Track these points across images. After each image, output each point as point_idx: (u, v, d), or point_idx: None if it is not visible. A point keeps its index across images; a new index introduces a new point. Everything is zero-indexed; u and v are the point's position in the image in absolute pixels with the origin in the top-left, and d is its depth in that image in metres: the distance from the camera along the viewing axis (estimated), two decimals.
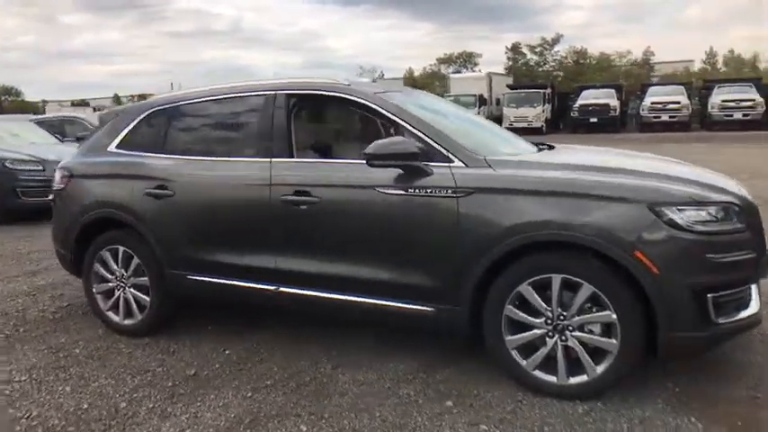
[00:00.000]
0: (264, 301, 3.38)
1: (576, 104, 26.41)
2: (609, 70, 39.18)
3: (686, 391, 2.76)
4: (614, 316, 2.56)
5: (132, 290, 3.74)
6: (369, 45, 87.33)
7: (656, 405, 2.65)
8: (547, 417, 2.60)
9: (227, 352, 3.48)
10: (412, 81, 43.08)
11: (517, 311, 2.74)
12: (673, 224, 2.47)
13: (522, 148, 3.50)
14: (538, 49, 39.30)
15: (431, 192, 2.82)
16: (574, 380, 2.69)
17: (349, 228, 3.05)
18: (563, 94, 31.25)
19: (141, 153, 3.70)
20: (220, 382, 3.09)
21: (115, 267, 3.77)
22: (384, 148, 2.83)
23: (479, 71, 37.66)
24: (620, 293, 2.55)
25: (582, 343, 2.66)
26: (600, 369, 2.63)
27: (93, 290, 3.88)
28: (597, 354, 2.66)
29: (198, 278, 3.49)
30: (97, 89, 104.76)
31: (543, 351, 2.73)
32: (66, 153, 8.18)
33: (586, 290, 2.59)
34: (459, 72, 40.29)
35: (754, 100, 22.02)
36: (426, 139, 2.91)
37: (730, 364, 3.06)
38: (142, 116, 3.81)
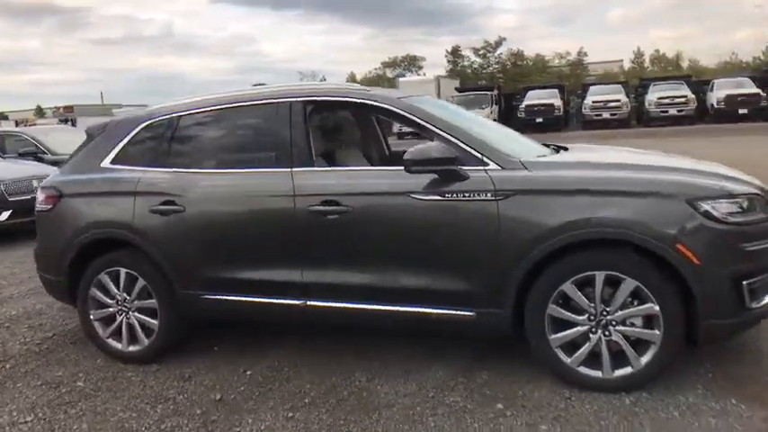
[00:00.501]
0: (289, 316, 3.26)
1: (523, 105, 27.17)
2: (546, 71, 40.55)
3: (719, 376, 2.87)
4: (657, 308, 2.62)
5: (137, 314, 3.51)
6: (304, 49, 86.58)
7: (696, 391, 2.74)
8: (599, 411, 2.63)
9: (248, 372, 3.33)
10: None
11: (560, 310, 2.76)
12: (709, 216, 2.56)
13: (542, 150, 3.53)
14: (481, 52, 40.20)
15: (469, 196, 2.80)
16: (618, 372, 2.74)
17: (383, 236, 2.99)
18: (507, 96, 32.13)
19: (142, 168, 3.49)
20: (254, 405, 2.95)
21: (116, 291, 3.53)
22: (423, 153, 2.79)
23: (424, 74, 38.18)
24: (662, 286, 2.61)
25: (625, 336, 2.71)
26: (644, 360, 2.69)
27: (91, 317, 3.62)
28: (640, 345, 2.72)
29: (214, 297, 3.32)
30: (16, 100, 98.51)
31: (587, 347, 2.76)
32: (13, 170, 8.06)
33: (629, 284, 2.64)
34: (403, 75, 40.68)
35: (686, 96, 23.39)
36: (459, 143, 2.89)
37: (744, 348, 3.20)
38: (138, 128, 3.59)
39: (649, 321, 2.69)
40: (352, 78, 52.29)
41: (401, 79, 35.56)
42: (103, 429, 2.84)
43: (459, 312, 2.90)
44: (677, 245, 2.55)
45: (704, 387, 2.77)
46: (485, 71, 41.17)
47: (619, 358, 2.74)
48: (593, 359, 2.77)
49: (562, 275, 2.73)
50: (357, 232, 3.01)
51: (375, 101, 3.18)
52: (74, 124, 25.91)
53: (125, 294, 3.52)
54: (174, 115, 3.53)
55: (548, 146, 3.69)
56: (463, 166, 2.84)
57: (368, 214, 2.99)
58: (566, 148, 3.63)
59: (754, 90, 22.18)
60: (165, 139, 3.50)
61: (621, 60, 51.58)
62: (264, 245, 3.21)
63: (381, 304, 3.02)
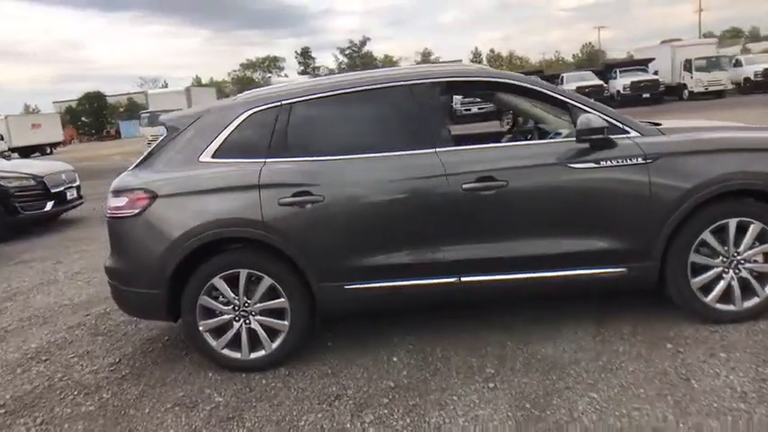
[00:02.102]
0: (441, 294, 3.28)
1: None
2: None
3: None
4: None
5: (260, 317, 3.27)
6: (137, 54, 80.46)
7: None
8: (746, 336, 3.08)
9: (394, 359, 3.29)
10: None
11: (701, 256, 3.18)
12: None
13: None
14: (347, 51, 40.81)
15: (621, 161, 3.10)
16: (747, 304, 3.23)
17: (541, 205, 3.16)
18: None
19: (258, 159, 3.24)
20: (440, 383, 2.95)
21: (232, 296, 3.25)
22: (589, 124, 3.01)
23: (284, 75, 37.81)
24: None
25: (751, 272, 3.21)
26: (767, 290, 3.21)
27: (201, 328, 3.28)
28: (762, 278, 3.22)
29: (360, 286, 3.21)
30: None
31: (722, 285, 3.21)
32: (47, 166, 9.08)
33: (756, 227, 3.13)
34: (269, 77, 39.81)
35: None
36: (602, 115, 3.16)
37: None
38: (240, 119, 3.31)
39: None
40: (197, 82, 49.82)
41: (151, 92, 34.70)
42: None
43: (610, 270, 3.18)
44: None
45: None
46: (345, 70, 41.92)
47: (746, 292, 3.22)
48: (726, 296, 3.22)
49: (702, 225, 3.13)
50: (514, 204, 3.14)
51: (514, 80, 3.33)
52: None
53: (245, 297, 3.25)
54: (285, 102, 3.32)
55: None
56: (611, 135, 3.12)
57: (526, 186, 3.13)
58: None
59: (653, 77, 26.71)
60: (279, 128, 3.28)
61: (461, 60, 56.09)
62: (414, 226, 3.19)
63: (537, 272, 3.19)
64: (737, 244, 3.18)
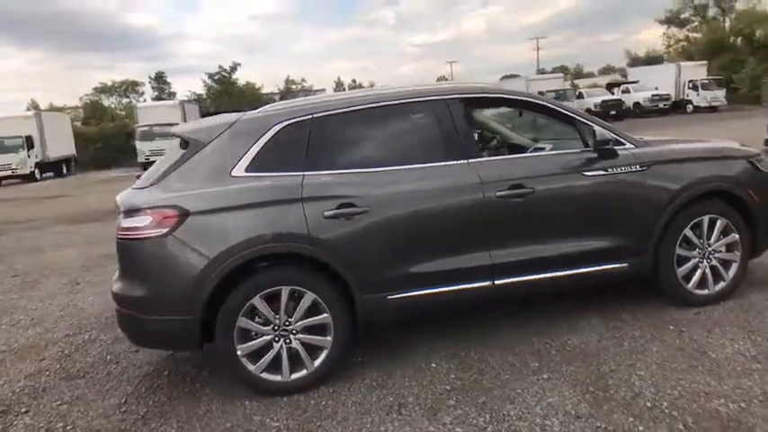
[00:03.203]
0: (478, 298, 3.44)
1: None
2: (257, 98, 40.78)
3: None
4: (737, 236, 3.79)
5: (301, 335, 3.17)
6: None
7: None
8: (725, 314, 3.65)
9: (432, 365, 3.37)
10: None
11: (683, 249, 3.72)
12: (758, 169, 3.86)
13: None
14: (217, 77, 39.49)
15: (624, 169, 3.55)
16: (717, 287, 3.82)
17: (563, 209, 3.48)
18: None
19: (296, 173, 3.17)
20: (493, 380, 3.10)
21: (272, 315, 3.11)
22: (604, 135, 3.42)
23: (143, 100, 35.58)
24: (738, 220, 3.78)
25: (719, 261, 3.81)
26: (731, 273, 3.84)
27: (239, 353, 3.09)
28: (726, 265, 3.84)
29: (402, 295, 3.26)
30: None
31: (699, 273, 3.78)
32: None
33: (722, 222, 3.75)
34: (130, 101, 37.19)
35: None
36: (605, 130, 3.60)
37: None
38: (272, 132, 3.23)
39: (731, 247, 3.83)
40: (34, 106, 45.15)
41: (140, 105, 32.61)
42: None
43: (616, 265, 3.59)
44: (748, 190, 3.77)
45: None
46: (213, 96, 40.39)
47: (716, 275, 3.82)
48: (701, 282, 3.79)
49: (685, 221, 3.68)
50: (540, 210, 3.43)
51: (522, 96, 3.66)
52: None
53: (286, 316, 3.13)
54: (317, 115, 3.30)
55: None
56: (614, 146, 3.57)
57: (549, 192, 3.44)
58: None
59: (617, 97, 32.31)
60: (314, 141, 3.25)
61: (324, 89, 57.32)
62: (454, 234, 3.33)
63: (557, 271, 3.50)
64: (709, 237, 3.78)
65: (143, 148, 26.26)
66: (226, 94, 38.83)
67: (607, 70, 68.23)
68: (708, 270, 3.80)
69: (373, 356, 3.54)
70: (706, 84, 32.32)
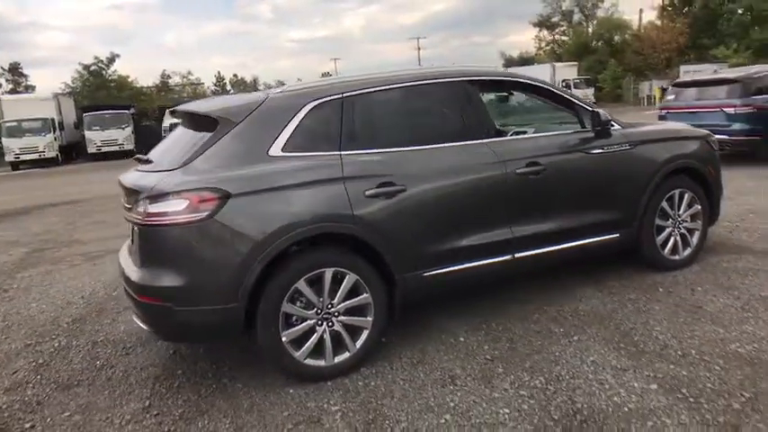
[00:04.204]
0: (500, 271, 3.58)
1: (167, 124, 26.49)
2: (131, 91, 37.80)
3: None
4: (699, 207, 4.32)
5: (343, 317, 3.12)
6: None
7: None
8: (697, 275, 4.15)
9: (461, 339, 3.47)
10: None
11: (660, 220, 4.16)
12: (712, 147, 4.42)
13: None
14: (93, 68, 36.05)
15: (617, 147, 3.89)
16: (685, 253, 4.32)
17: (569, 185, 3.73)
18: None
19: (332, 152, 3.10)
20: (528, 346, 3.27)
21: (316, 299, 3.03)
22: (607, 117, 3.71)
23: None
24: (700, 193, 4.31)
25: (686, 229, 4.32)
26: (695, 240, 4.36)
27: (283, 339, 2.97)
28: (692, 233, 4.36)
29: (435, 272, 3.32)
30: None
31: (672, 241, 4.25)
32: None
33: (689, 195, 4.25)
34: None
35: None
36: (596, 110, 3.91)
37: None
38: (304, 111, 3.12)
39: (695, 216, 4.35)
40: None
41: (5, 98, 28.90)
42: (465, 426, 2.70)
43: (611, 236, 3.94)
44: (708, 166, 4.30)
45: None
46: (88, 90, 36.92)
47: (684, 242, 4.32)
48: (673, 249, 4.27)
49: (661, 196, 4.12)
50: (551, 185, 3.65)
51: (529, 80, 3.86)
52: None
53: (329, 299, 3.06)
54: (347, 94, 3.24)
55: None
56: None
57: (557, 169, 3.67)
58: None
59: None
60: (347, 120, 3.19)
61: (204, 83, 55.06)
62: (481, 210, 3.45)
63: (566, 243, 3.76)
64: (679, 209, 4.26)
65: (11, 145, 23.53)
66: (103, 86, 35.64)
67: None
68: (678, 238, 4.28)
69: (396, 336, 3.54)
70: (578, 83, 35.53)
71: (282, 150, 3.03)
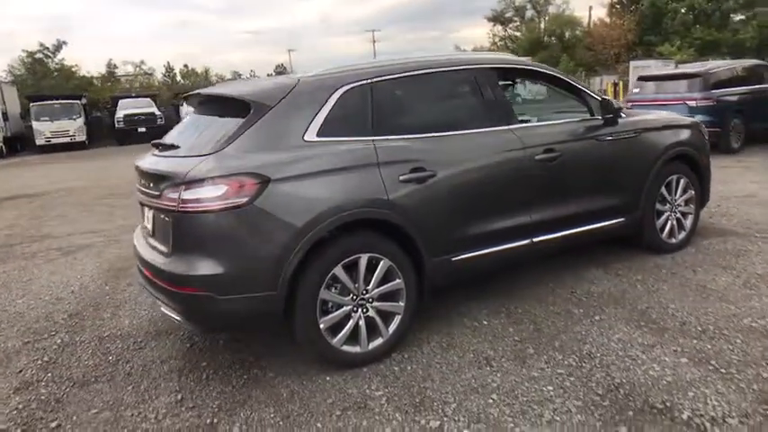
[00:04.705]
0: (518, 256, 3.66)
1: (120, 115, 25.41)
2: (79, 81, 36.02)
3: None
4: (692, 192, 4.54)
5: (377, 303, 3.11)
6: None
7: None
8: (694, 257, 4.36)
9: (484, 322, 3.53)
10: None
11: (660, 205, 4.34)
12: (702, 135, 4.64)
13: None
14: (38, 55, 34.09)
15: (624, 134, 4.04)
16: (680, 236, 4.53)
17: (582, 171, 3.84)
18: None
19: (365, 137, 3.08)
20: (552, 327, 3.36)
21: (351, 285, 3.02)
22: (619, 105, 3.84)
23: None
24: (693, 179, 4.53)
25: (681, 213, 4.52)
26: (688, 224, 4.57)
27: (321, 326, 2.95)
28: (685, 216, 4.57)
29: (461, 257, 3.36)
30: None
31: (669, 226, 4.44)
32: None
33: (685, 181, 4.46)
34: None
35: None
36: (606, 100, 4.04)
37: None
38: (336, 96, 3.08)
39: (688, 201, 4.56)
40: None
41: None
42: (512, 403, 2.75)
43: (617, 221, 4.09)
44: (700, 153, 4.52)
45: None
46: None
47: (680, 229, 4.53)
48: (669, 233, 4.46)
49: (661, 182, 4.31)
50: (566, 171, 3.75)
51: (543, 68, 3.93)
52: None
53: (364, 284, 3.06)
54: (375, 80, 3.22)
55: None
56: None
57: (571, 155, 3.77)
58: None
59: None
60: (377, 105, 3.17)
61: (152, 73, 53.15)
62: (504, 195, 3.51)
63: (579, 227, 3.88)
64: (675, 194, 4.45)
65: None
66: (48, 75, 33.81)
67: None
68: (674, 222, 4.49)
69: (418, 322, 3.55)
70: None
71: (317, 135, 2.98)
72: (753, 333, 3.10)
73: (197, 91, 3.44)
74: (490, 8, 51.28)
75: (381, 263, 3.07)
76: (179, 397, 2.93)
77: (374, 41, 73.89)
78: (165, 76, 65.44)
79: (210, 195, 2.70)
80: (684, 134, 4.49)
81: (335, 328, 3.01)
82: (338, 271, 2.95)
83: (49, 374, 3.30)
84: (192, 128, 3.34)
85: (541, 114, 4.30)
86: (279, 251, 2.76)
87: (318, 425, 2.59)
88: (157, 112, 26.17)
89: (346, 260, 2.97)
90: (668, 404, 2.51)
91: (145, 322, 4.00)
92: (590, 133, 3.92)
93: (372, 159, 3.04)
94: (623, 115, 4.12)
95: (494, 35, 53.85)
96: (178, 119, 26.97)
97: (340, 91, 3.11)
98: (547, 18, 49.52)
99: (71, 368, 3.37)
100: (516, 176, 3.55)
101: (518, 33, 52.08)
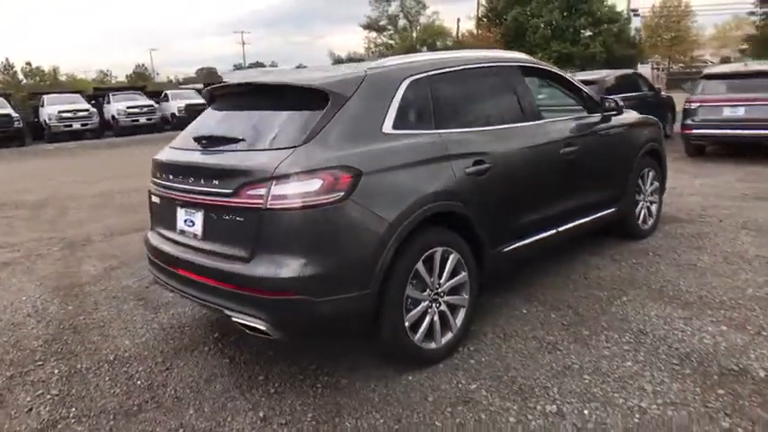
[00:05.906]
0: (548, 245, 3.82)
1: (54, 112, 22.85)
2: None
3: None
4: (658, 183, 5.07)
5: (447, 297, 3.09)
6: None
7: None
8: (666, 242, 4.87)
9: (524, 311, 3.65)
10: None
11: (638, 195, 4.80)
12: (662, 132, 5.22)
13: None
14: None
15: (619, 129, 4.43)
16: (649, 222, 5.04)
17: (593, 162, 4.12)
18: None
19: (431, 130, 3.06)
20: (590, 310, 3.58)
21: (429, 280, 2.97)
22: (618, 102, 4.17)
23: None
24: (658, 171, 5.07)
25: (650, 203, 5.04)
26: (654, 211, 5.11)
27: (406, 324, 2.86)
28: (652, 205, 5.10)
29: (510, 247, 3.45)
30: None
31: (644, 213, 4.92)
32: None
33: (654, 174, 4.98)
34: None
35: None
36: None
37: None
38: (404, 87, 3.01)
39: (654, 192, 5.09)
40: None
41: None
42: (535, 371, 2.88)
43: (611, 210, 4.45)
44: (662, 147, 5.09)
45: None
46: None
47: (649, 213, 5.04)
48: (643, 219, 4.95)
49: (639, 172, 4.76)
50: (582, 163, 4.00)
51: (551, 68, 4.15)
52: None
53: (438, 279, 3.02)
54: (432, 73, 3.19)
55: None
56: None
57: (584, 148, 4.03)
58: None
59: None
60: (436, 98, 3.14)
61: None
62: (540, 188, 3.66)
63: (588, 216, 4.16)
64: (645, 185, 4.95)
65: None
66: None
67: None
68: (646, 210, 4.98)
69: None
70: None
71: (393, 128, 2.89)
72: (764, 301, 3.56)
73: (245, 80, 3.14)
74: (365, 15, 52.36)
75: (451, 256, 3.05)
76: (260, 414, 2.66)
77: (243, 43, 71.97)
78: (2, 73, 58.00)
79: (305, 190, 2.49)
80: (653, 130, 5.01)
81: (414, 325, 2.93)
82: (420, 266, 2.88)
83: (74, 409, 2.81)
84: (234, 120, 3.06)
85: (548, 111, 4.54)
86: (375, 247, 2.63)
87: (437, 423, 2.51)
88: (14, 114, 23.04)
89: (424, 255, 2.91)
90: (741, 366, 2.81)
91: (151, 340, 3.56)
92: (593, 128, 4.23)
93: (443, 152, 3.01)
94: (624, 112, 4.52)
95: (370, 42, 55.09)
96: (36, 121, 24.07)
97: (406, 83, 3.04)
98: (418, 28, 51.77)
99: (96, 399, 2.90)
100: (548, 169, 3.73)
101: (392, 41, 53.79)
